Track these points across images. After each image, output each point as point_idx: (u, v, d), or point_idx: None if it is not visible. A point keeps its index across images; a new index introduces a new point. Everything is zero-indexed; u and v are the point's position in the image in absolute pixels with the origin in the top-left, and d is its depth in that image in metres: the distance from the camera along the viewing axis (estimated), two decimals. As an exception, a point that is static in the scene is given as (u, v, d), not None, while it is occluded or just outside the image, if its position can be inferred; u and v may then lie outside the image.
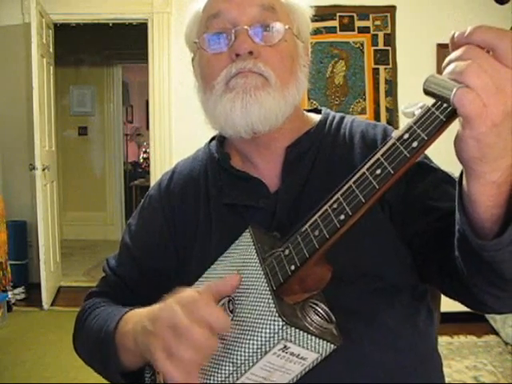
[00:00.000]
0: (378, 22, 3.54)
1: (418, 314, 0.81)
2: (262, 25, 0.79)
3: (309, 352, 0.60)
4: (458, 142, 0.51)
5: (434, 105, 0.52)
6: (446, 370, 0.86)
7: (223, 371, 0.62)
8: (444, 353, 0.84)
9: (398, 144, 0.54)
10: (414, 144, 0.52)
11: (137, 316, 0.75)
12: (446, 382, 0.87)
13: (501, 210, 0.54)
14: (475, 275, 0.62)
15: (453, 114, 0.50)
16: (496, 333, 3.17)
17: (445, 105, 0.51)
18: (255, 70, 0.77)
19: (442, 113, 0.51)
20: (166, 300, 0.66)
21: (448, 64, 0.50)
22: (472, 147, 0.49)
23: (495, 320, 3.19)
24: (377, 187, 0.55)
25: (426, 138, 0.52)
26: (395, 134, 0.55)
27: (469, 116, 0.47)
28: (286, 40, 0.81)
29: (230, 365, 0.62)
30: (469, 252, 0.59)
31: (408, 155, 0.53)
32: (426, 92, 0.50)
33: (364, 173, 0.57)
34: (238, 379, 0.62)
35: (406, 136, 0.53)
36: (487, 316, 3.30)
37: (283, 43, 0.80)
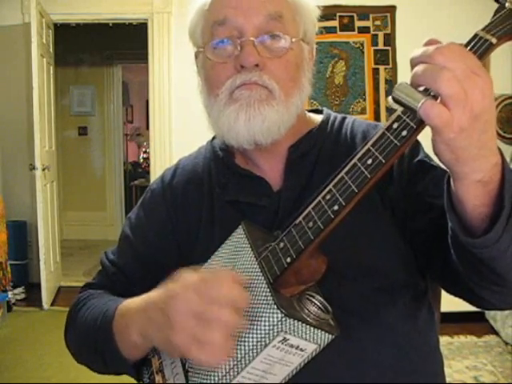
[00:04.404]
0: (378, 22, 3.54)
1: (419, 313, 0.81)
2: (268, 36, 0.78)
3: (308, 343, 0.61)
4: (432, 145, 0.52)
5: None
6: (446, 369, 0.87)
7: (224, 366, 0.62)
8: (444, 353, 0.85)
9: (388, 134, 0.55)
10: (404, 133, 0.54)
11: (134, 307, 0.73)
12: (446, 381, 0.87)
13: (488, 208, 0.55)
14: (470, 271, 0.63)
15: None
16: (496, 333, 3.17)
17: None
18: (260, 82, 0.77)
19: None
20: (167, 287, 0.65)
21: (418, 59, 0.50)
22: (444, 151, 0.51)
23: (495, 320, 3.19)
24: (369, 176, 0.56)
25: (414, 127, 0.53)
26: (384, 124, 0.56)
27: (436, 126, 0.48)
28: (293, 48, 0.80)
29: (230, 359, 0.62)
30: (461, 249, 0.60)
31: (398, 144, 0.54)
32: (395, 100, 0.51)
33: (355, 163, 0.58)
34: (238, 373, 0.62)
35: (395, 125, 0.54)
36: (487, 316, 3.30)
37: (290, 52, 0.80)
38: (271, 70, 0.78)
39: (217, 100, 0.80)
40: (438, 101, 0.48)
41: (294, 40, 0.80)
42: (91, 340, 0.81)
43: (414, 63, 0.51)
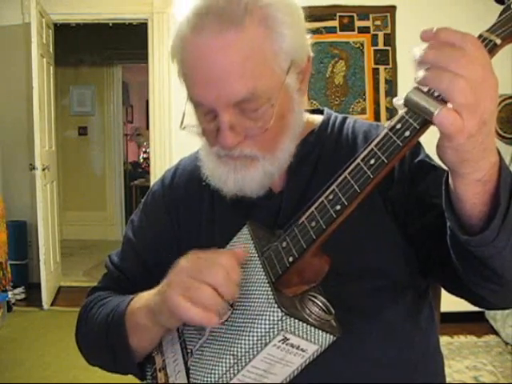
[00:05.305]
0: (378, 22, 3.54)
1: (420, 313, 0.82)
2: (244, 115, 0.73)
3: (308, 343, 0.61)
4: (437, 149, 0.53)
5: None
6: (446, 369, 0.87)
7: (224, 364, 0.63)
8: (444, 353, 0.86)
9: (390, 134, 0.56)
10: (407, 133, 0.54)
11: (147, 294, 0.76)
12: (446, 381, 0.87)
13: (486, 207, 0.56)
14: (469, 270, 0.63)
15: None
16: (496, 333, 3.18)
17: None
18: (242, 155, 0.76)
19: None
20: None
21: (428, 60, 0.50)
22: (450, 155, 0.52)
23: (495, 320, 3.19)
24: (371, 176, 0.57)
25: (417, 127, 0.53)
26: (387, 124, 0.56)
27: (449, 133, 0.49)
28: (274, 107, 0.73)
29: (231, 357, 0.62)
30: (459, 248, 0.61)
31: (401, 144, 0.55)
32: (407, 104, 0.52)
33: (358, 163, 0.59)
34: (238, 372, 0.62)
35: (399, 126, 0.55)
36: (487, 316, 3.30)
37: (271, 116, 0.73)
38: (252, 140, 0.75)
39: (210, 151, 0.80)
40: (449, 105, 0.49)
41: (273, 102, 0.73)
42: (103, 335, 0.82)
43: (423, 63, 0.51)
